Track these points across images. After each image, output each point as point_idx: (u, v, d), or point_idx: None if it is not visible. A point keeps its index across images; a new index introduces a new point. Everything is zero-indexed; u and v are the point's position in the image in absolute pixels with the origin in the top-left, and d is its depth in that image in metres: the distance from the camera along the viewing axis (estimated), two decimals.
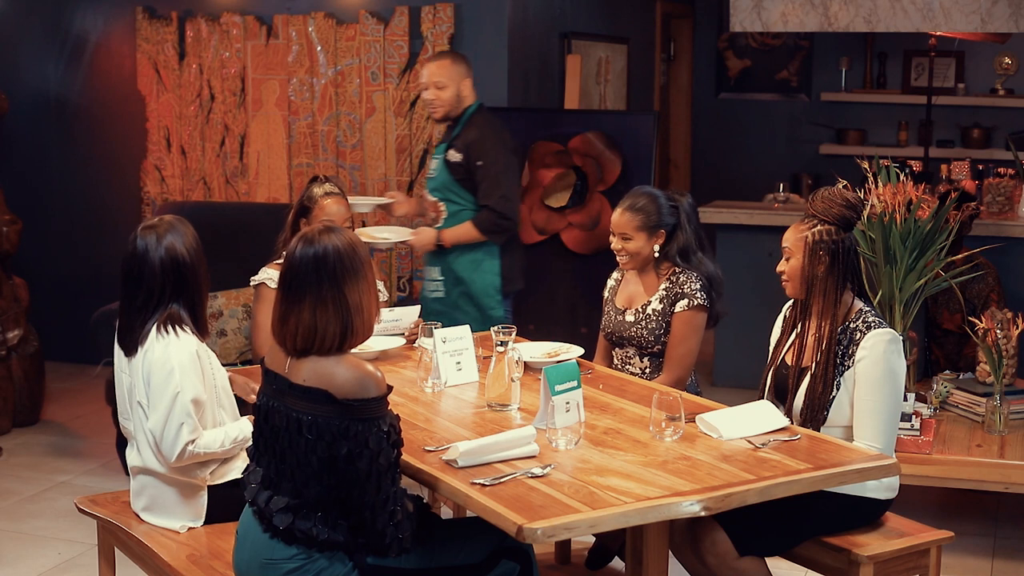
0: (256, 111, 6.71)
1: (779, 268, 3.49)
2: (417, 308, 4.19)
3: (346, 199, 4.22)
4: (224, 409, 3.40)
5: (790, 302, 3.60)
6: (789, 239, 3.45)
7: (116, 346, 3.43)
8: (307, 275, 2.75)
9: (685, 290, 3.91)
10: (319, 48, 6.52)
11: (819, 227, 3.39)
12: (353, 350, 3.76)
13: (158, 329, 3.28)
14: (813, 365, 3.38)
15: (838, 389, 3.33)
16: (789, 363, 3.49)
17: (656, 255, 3.96)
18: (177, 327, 3.28)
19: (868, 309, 3.40)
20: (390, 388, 2.75)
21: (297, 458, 2.73)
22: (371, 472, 2.67)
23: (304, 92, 6.59)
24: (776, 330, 3.64)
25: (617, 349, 4.08)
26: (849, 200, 3.41)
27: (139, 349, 3.30)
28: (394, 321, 4.08)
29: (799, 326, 3.51)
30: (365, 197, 5.53)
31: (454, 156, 4.91)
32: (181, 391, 3.24)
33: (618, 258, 4.00)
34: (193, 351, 3.28)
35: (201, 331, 3.37)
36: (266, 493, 2.82)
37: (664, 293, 3.95)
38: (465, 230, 4.91)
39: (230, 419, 3.41)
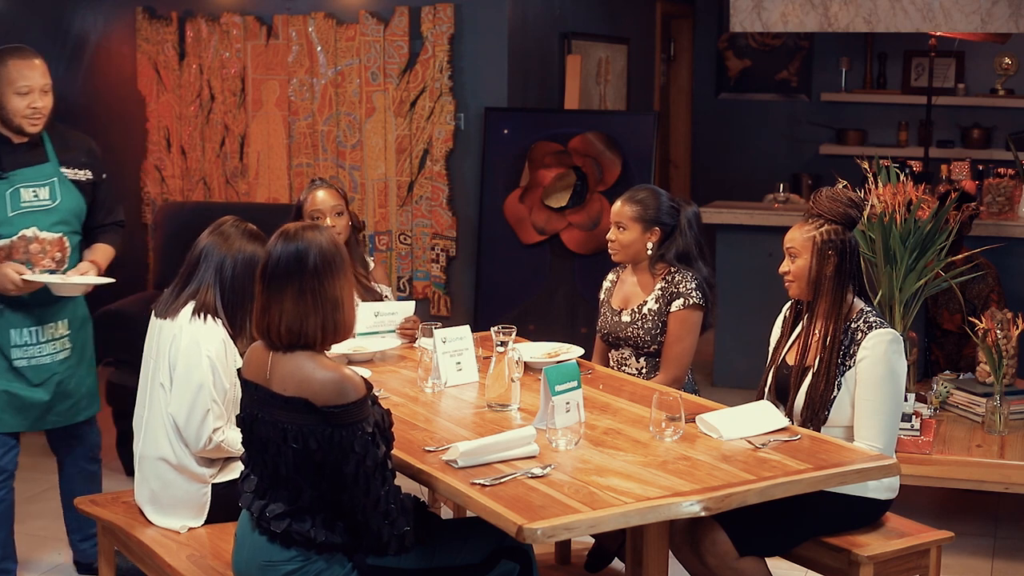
0: (256, 111, 6.71)
1: (783, 268, 3.46)
2: (412, 303, 4.19)
3: (336, 190, 4.24)
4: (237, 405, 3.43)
5: (789, 302, 3.60)
6: (795, 239, 3.43)
7: (149, 333, 3.50)
8: (288, 268, 2.75)
9: (681, 289, 3.92)
10: (319, 48, 6.52)
11: (826, 226, 3.38)
12: (350, 350, 3.81)
13: (194, 313, 3.37)
14: (816, 364, 3.38)
15: (839, 389, 3.33)
16: (790, 363, 3.49)
17: (649, 252, 3.97)
18: (209, 315, 3.37)
19: (869, 309, 3.40)
20: (370, 387, 2.75)
21: (288, 466, 2.73)
22: (359, 475, 2.66)
23: (304, 92, 6.59)
24: (776, 330, 3.64)
25: (613, 351, 4.09)
26: (852, 199, 3.42)
27: (171, 322, 3.39)
28: (391, 314, 4.10)
29: (800, 326, 3.51)
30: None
31: (79, 174, 3.99)
32: (208, 379, 3.31)
33: (609, 249, 4.02)
34: (221, 340, 3.36)
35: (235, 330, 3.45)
36: (261, 501, 2.81)
37: (660, 293, 3.95)
38: (110, 257, 4.07)
39: None
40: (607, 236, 4.04)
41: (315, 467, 2.70)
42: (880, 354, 3.29)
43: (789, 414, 3.40)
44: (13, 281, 3.75)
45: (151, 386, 3.44)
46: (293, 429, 2.68)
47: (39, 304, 3.92)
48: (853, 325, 3.36)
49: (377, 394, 3.40)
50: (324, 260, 2.75)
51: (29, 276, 3.77)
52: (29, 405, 3.96)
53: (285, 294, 2.74)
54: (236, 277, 3.40)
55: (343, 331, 2.80)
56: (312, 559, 2.75)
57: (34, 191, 3.85)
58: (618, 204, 4.01)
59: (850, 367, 3.33)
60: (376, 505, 2.69)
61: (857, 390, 3.31)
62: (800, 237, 3.42)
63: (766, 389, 3.54)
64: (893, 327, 4.46)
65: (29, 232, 3.84)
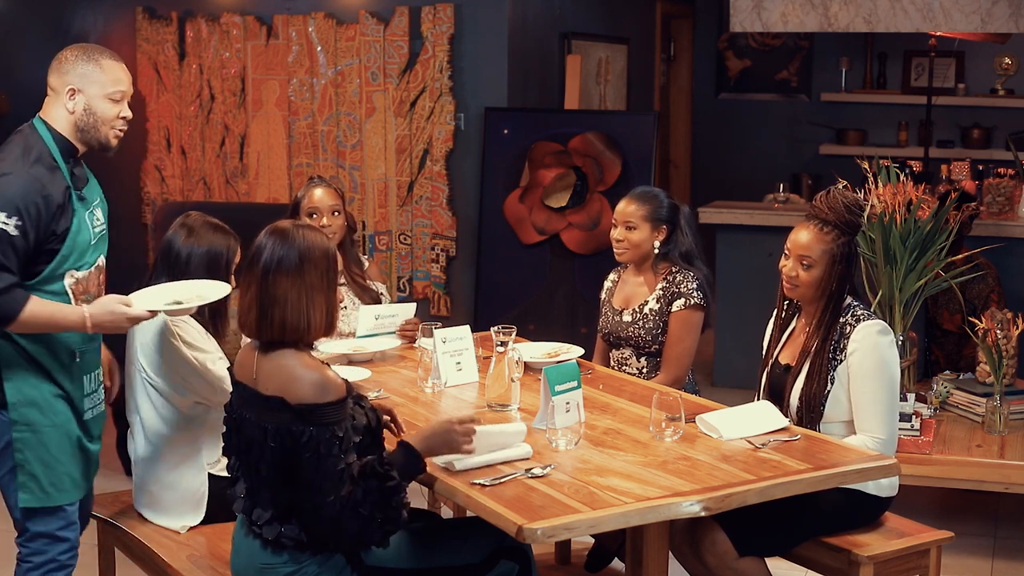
0: (256, 111, 6.71)
1: (789, 272, 3.41)
2: (413, 305, 4.19)
3: (334, 189, 4.24)
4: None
5: (784, 302, 3.59)
6: (812, 250, 3.36)
7: (128, 336, 3.47)
8: (246, 262, 2.83)
9: (682, 289, 3.92)
10: (319, 48, 6.52)
11: (843, 238, 3.37)
12: (350, 350, 3.81)
13: None
14: (808, 362, 3.38)
15: (832, 384, 3.33)
16: (783, 362, 3.49)
17: (656, 251, 3.97)
18: None
19: (856, 304, 3.41)
20: (351, 390, 2.75)
21: (267, 467, 2.72)
22: (315, 476, 2.63)
23: (304, 92, 6.59)
24: (769, 329, 3.64)
25: (614, 350, 4.08)
26: (861, 206, 3.43)
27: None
28: (391, 317, 4.09)
29: (793, 324, 3.52)
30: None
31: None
32: (145, 358, 3.34)
33: (616, 249, 4.00)
34: (184, 321, 3.36)
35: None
36: (250, 505, 2.81)
37: (661, 293, 3.95)
38: None
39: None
40: (614, 236, 4.01)
41: (289, 469, 2.69)
42: (870, 346, 3.30)
43: (785, 412, 3.40)
44: (131, 316, 3.03)
45: (136, 388, 3.44)
46: (272, 428, 2.68)
47: (97, 345, 3.26)
48: (841, 319, 3.36)
49: (377, 394, 3.42)
50: (273, 257, 2.77)
51: (153, 305, 3.07)
52: (91, 467, 3.24)
53: (244, 286, 2.82)
54: (195, 269, 3.41)
55: (285, 329, 2.75)
56: (306, 561, 2.74)
57: (96, 213, 3.22)
58: (624, 204, 3.99)
59: (841, 361, 3.33)
60: (324, 509, 2.63)
61: (852, 384, 3.31)
62: (817, 248, 3.36)
63: (761, 388, 3.55)
64: (893, 327, 4.47)
65: (101, 261, 3.20)
